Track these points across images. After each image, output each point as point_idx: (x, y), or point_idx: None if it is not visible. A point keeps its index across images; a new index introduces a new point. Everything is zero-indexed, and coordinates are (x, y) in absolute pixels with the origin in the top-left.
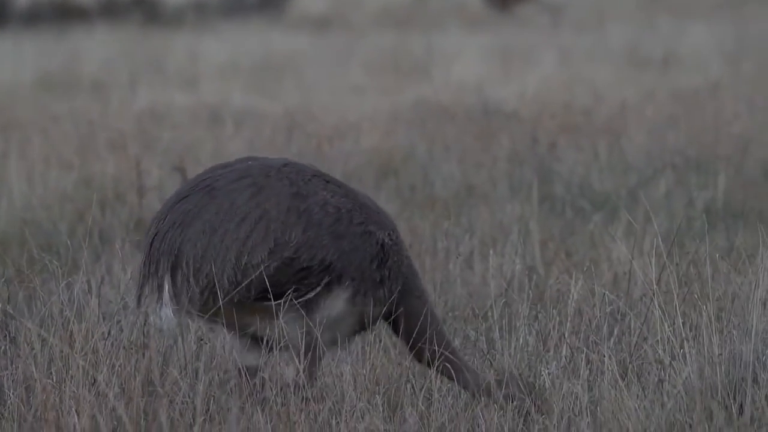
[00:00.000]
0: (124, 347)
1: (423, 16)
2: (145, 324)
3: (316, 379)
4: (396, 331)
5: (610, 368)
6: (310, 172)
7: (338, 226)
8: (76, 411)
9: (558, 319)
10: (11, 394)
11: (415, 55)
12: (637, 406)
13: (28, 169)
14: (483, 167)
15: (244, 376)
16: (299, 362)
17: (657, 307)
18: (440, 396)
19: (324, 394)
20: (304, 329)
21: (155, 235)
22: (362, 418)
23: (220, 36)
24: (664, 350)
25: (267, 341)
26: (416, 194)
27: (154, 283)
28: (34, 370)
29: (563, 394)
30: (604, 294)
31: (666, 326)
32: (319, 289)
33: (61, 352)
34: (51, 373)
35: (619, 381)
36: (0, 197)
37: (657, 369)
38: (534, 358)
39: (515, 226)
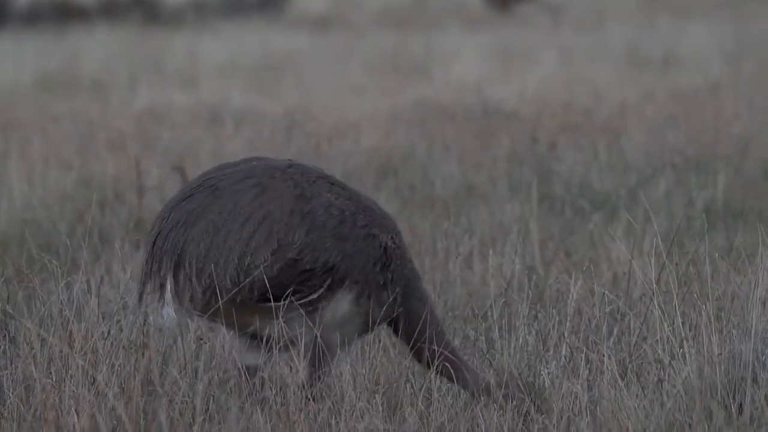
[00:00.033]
0: (123, 347)
1: (423, 16)
2: (144, 324)
3: (322, 381)
4: (396, 331)
5: (609, 368)
6: (314, 174)
7: (342, 228)
8: (75, 411)
9: (557, 318)
10: (11, 394)
11: (415, 55)
12: (636, 405)
13: (28, 169)
14: (483, 167)
15: (243, 375)
16: (304, 363)
17: (656, 306)
18: (440, 396)
19: (323, 393)
20: (307, 331)
21: (158, 233)
22: (362, 417)
23: (220, 36)
24: (664, 350)
25: (267, 341)
26: (416, 194)
27: (157, 281)
28: (33, 369)
29: (563, 394)
30: (604, 294)
31: (665, 326)
32: (321, 291)
33: (61, 351)
34: (50, 372)
35: (619, 381)
36: (0, 197)
37: (656, 369)
38: (533, 357)
39: (515, 225)
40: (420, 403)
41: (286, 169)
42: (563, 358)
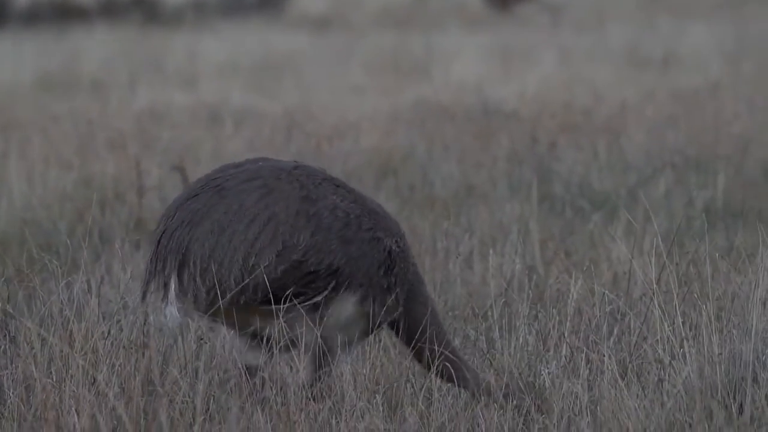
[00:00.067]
0: (123, 347)
1: (423, 16)
2: (144, 323)
3: (322, 381)
4: (396, 332)
5: (609, 368)
6: (320, 176)
7: (347, 231)
8: (75, 410)
9: (558, 318)
10: (11, 394)
11: (415, 55)
12: (636, 405)
13: (28, 169)
14: (482, 167)
15: (244, 375)
16: (307, 364)
17: (657, 306)
18: (440, 395)
19: (324, 393)
20: (310, 332)
21: (163, 232)
22: (362, 417)
23: (220, 35)
24: (664, 350)
25: (268, 341)
26: (416, 194)
27: (161, 280)
28: (33, 369)
29: (563, 394)
30: (604, 293)
31: (666, 326)
32: (326, 293)
33: (61, 351)
34: (51, 372)
35: (619, 380)
36: (0, 197)
37: (657, 368)
38: (534, 357)
39: (515, 225)
40: (420, 403)
41: (292, 171)
42: (563, 358)
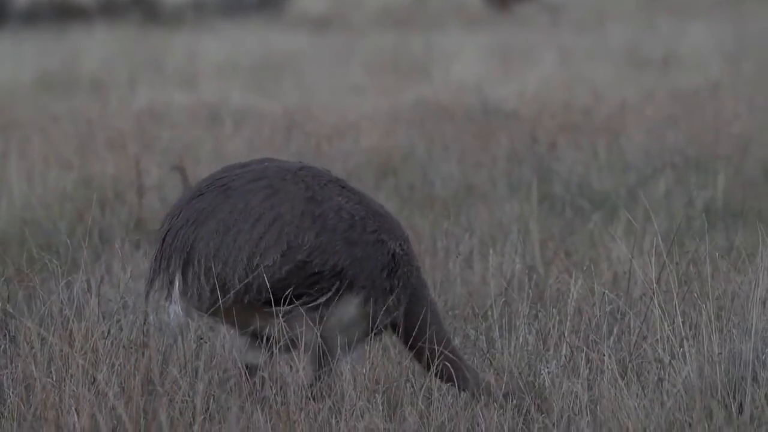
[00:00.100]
0: (123, 346)
1: (423, 16)
2: (144, 323)
3: (323, 381)
4: (397, 333)
5: (609, 367)
6: (325, 177)
7: (351, 232)
8: (75, 410)
9: (558, 318)
10: (11, 393)
11: (415, 55)
12: (636, 405)
13: (28, 169)
14: (482, 167)
15: (244, 375)
16: (307, 364)
17: (657, 306)
18: (440, 395)
19: (324, 393)
20: (311, 332)
21: (168, 230)
22: (362, 417)
23: (220, 35)
24: (664, 349)
25: (269, 341)
26: (416, 194)
27: (165, 279)
28: (33, 369)
29: (563, 393)
30: (604, 293)
31: (666, 325)
32: (330, 294)
33: (61, 351)
34: (51, 372)
35: (619, 380)
36: (0, 197)
37: (657, 368)
38: (534, 357)
39: (515, 225)
40: (420, 403)
41: (298, 172)
42: (563, 358)
